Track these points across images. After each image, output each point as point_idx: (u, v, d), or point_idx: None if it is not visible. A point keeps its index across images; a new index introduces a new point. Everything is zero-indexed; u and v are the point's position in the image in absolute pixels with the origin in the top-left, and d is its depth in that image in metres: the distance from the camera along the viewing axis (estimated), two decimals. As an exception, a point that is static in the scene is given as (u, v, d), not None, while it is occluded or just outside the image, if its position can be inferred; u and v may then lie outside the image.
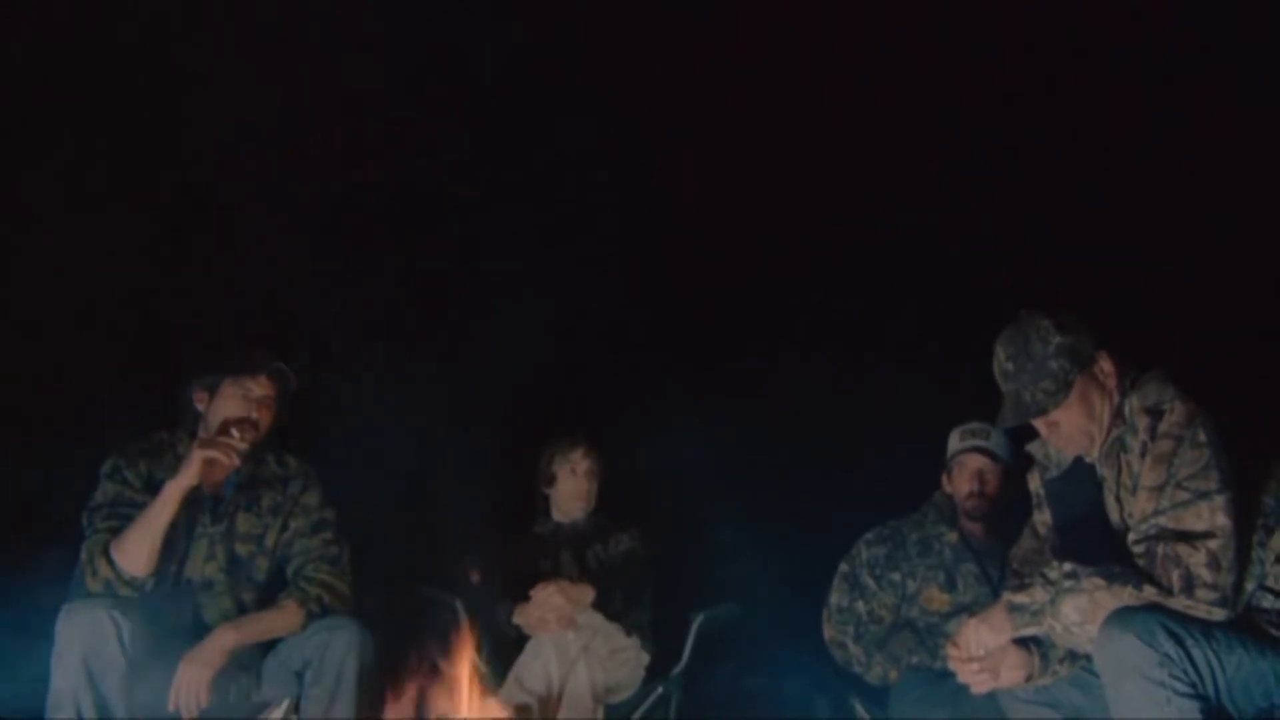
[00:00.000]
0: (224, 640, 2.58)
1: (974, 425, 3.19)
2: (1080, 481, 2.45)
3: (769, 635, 3.44)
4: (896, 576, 3.18)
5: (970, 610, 3.00)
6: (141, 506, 2.63)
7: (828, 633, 3.23)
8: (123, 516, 2.63)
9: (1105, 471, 2.39)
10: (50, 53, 3.52)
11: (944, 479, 3.27)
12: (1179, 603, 2.09)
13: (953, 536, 3.18)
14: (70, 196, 3.58)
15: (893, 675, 3.08)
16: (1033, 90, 3.95)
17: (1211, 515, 2.11)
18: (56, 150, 3.55)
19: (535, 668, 2.97)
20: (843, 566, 3.27)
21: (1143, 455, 2.26)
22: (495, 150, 3.98)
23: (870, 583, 3.20)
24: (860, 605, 3.20)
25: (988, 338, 2.46)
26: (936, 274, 3.80)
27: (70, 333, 3.59)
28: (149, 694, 2.53)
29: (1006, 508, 3.06)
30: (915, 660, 3.06)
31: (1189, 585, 2.08)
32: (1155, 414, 2.26)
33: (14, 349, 3.50)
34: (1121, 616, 2.09)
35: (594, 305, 3.99)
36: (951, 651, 2.37)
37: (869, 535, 3.28)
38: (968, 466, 3.17)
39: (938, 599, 3.11)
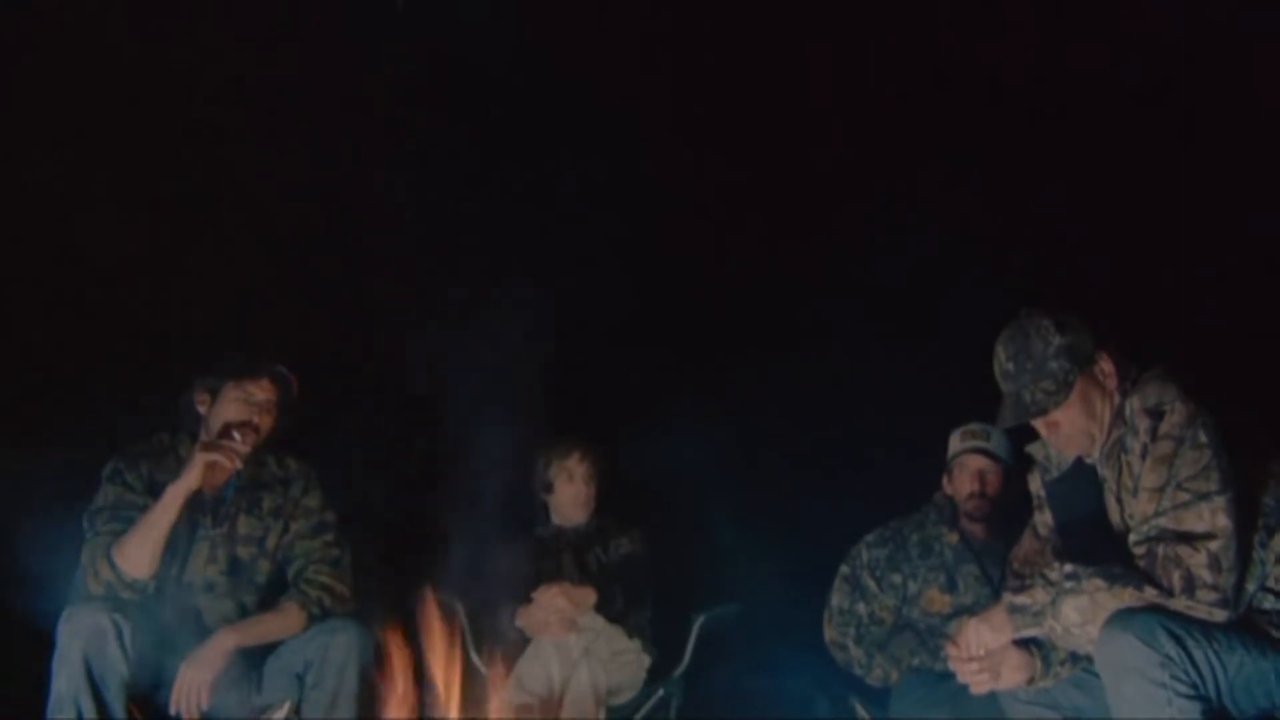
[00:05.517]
0: (225, 643, 2.59)
1: (974, 426, 3.19)
2: (1081, 483, 2.45)
3: (770, 636, 3.44)
4: (897, 578, 3.18)
5: (971, 611, 3.00)
6: (143, 509, 2.63)
7: (829, 634, 3.23)
8: (124, 519, 2.63)
9: (1106, 472, 2.39)
10: (52, 53, 3.52)
11: (944, 480, 3.27)
12: (1180, 604, 2.09)
13: (953, 538, 3.18)
14: (74, 197, 3.58)
15: (894, 677, 3.08)
16: (1033, 90, 3.95)
17: (1212, 516, 2.11)
18: (60, 149, 3.55)
19: (536, 669, 2.98)
20: (843, 568, 3.27)
21: (1143, 456, 2.26)
22: (494, 149, 3.98)
23: (871, 584, 3.20)
24: (861, 607, 3.20)
25: (988, 338, 2.46)
26: (936, 274, 3.80)
27: (72, 334, 3.59)
28: (150, 697, 2.53)
29: (1007, 508, 3.07)
30: (916, 662, 3.06)
31: (1190, 586, 2.08)
32: (1156, 415, 2.26)
33: (15, 350, 3.50)
34: (1122, 617, 2.09)
35: (594, 305, 3.98)
36: (951, 651, 2.37)
37: (869, 537, 3.28)
38: (968, 467, 3.17)
39: (939, 600, 3.12)
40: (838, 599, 3.24)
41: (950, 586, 3.12)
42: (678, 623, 3.33)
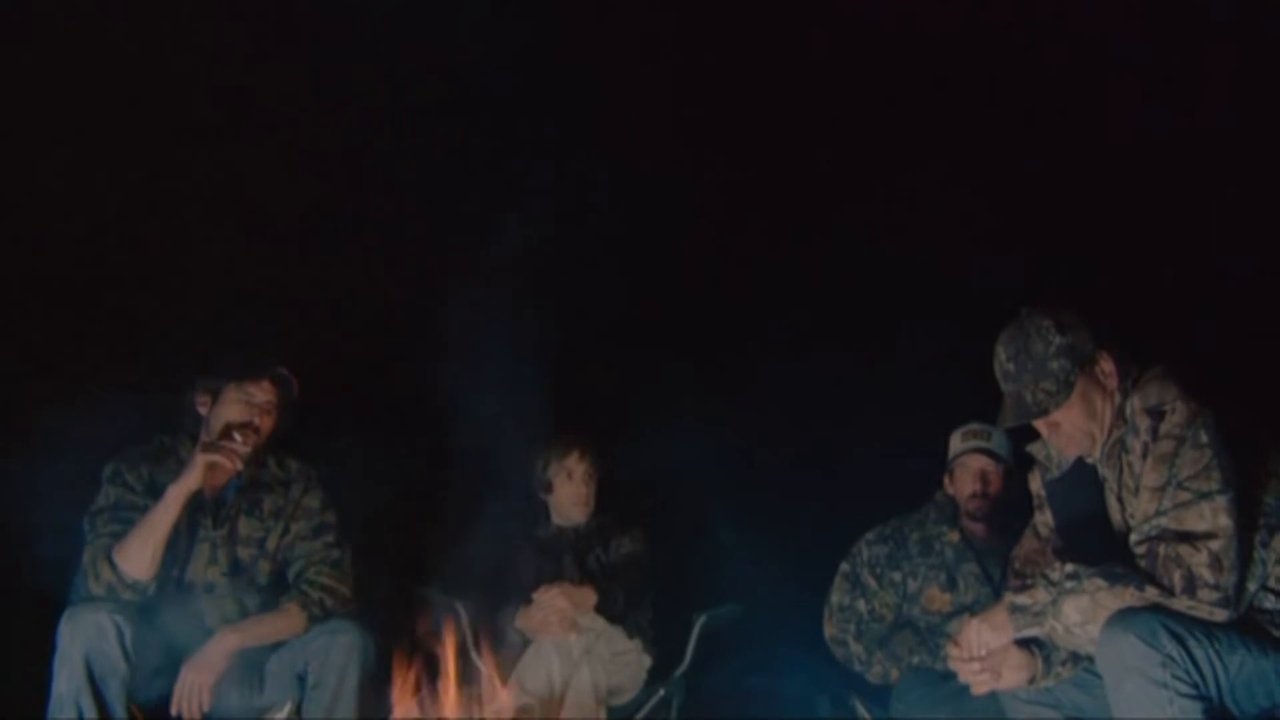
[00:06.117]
0: (226, 644, 2.59)
1: (975, 426, 3.20)
2: (1081, 482, 2.45)
3: (770, 635, 3.44)
4: (897, 576, 3.19)
5: (971, 610, 3.02)
6: (143, 510, 2.62)
7: (828, 631, 3.24)
8: (124, 520, 2.63)
9: (1106, 472, 2.39)
10: (52, 53, 3.51)
11: (946, 480, 3.28)
12: (1181, 603, 2.09)
13: (954, 536, 3.18)
14: (74, 196, 3.58)
15: (894, 674, 3.09)
16: (1033, 90, 3.96)
17: (1213, 516, 2.11)
18: (60, 149, 3.54)
19: (537, 670, 2.97)
20: (844, 565, 3.28)
21: (1144, 456, 2.26)
22: (494, 149, 3.98)
23: (871, 582, 3.21)
24: (861, 604, 3.20)
25: (988, 338, 2.46)
26: (936, 274, 3.80)
27: (72, 334, 3.59)
28: (151, 697, 2.53)
29: (1008, 508, 3.07)
30: (916, 660, 3.06)
31: (1191, 586, 2.08)
32: (1156, 414, 2.26)
33: (15, 349, 3.49)
34: (1123, 617, 2.09)
35: (594, 305, 3.99)
36: (952, 651, 2.37)
37: (870, 535, 3.29)
38: (970, 467, 3.17)
39: (938, 599, 3.12)
40: (838, 596, 3.25)
41: (950, 585, 3.13)
42: (678, 623, 3.33)
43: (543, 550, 3.37)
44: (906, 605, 3.17)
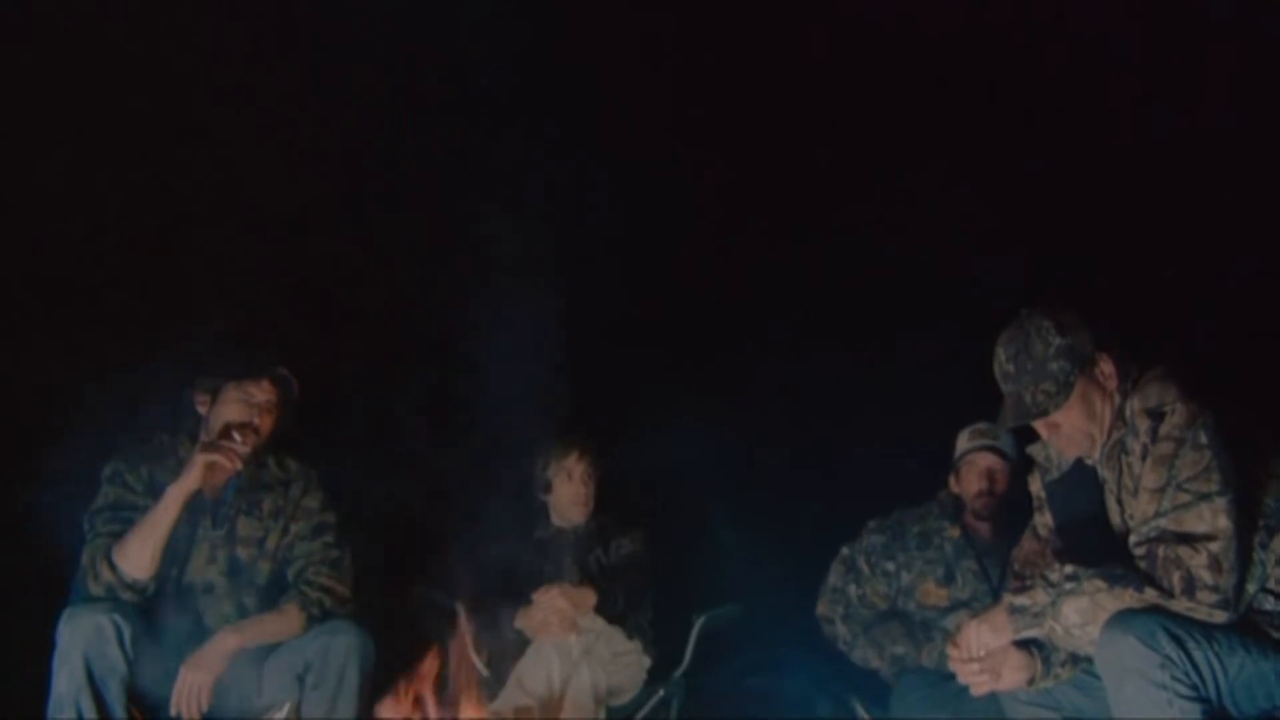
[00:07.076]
0: (225, 644, 2.59)
1: (982, 425, 3.21)
2: (1081, 483, 2.45)
3: (770, 635, 3.44)
4: (890, 566, 3.21)
5: (968, 607, 3.04)
6: (143, 510, 2.63)
7: (820, 609, 3.30)
8: (124, 520, 2.63)
9: (1106, 473, 2.39)
10: (52, 53, 3.52)
11: (951, 479, 3.28)
12: (1180, 605, 2.09)
13: (955, 532, 3.20)
14: (74, 196, 3.58)
15: (874, 661, 3.14)
16: (1033, 90, 3.96)
17: (1213, 517, 2.11)
18: (60, 149, 3.54)
19: (537, 671, 2.97)
20: (844, 549, 3.34)
21: (1144, 457, 2.26)
22: (494, 149, 3.98)
23: (865, 568, 3.25)
24: (852, 589, 3.25)
25: (988, 338, 2.46)
26: (936, 274, 3.80)
27: (72, 334, 3.59)
28: (150, 698, 2.53)
29: (1011, 507, 3.08)
30: (900, 650, 3.09)
31: (1190, 587, 2.08)
32: (1156, 416, 2.26)
33: (16, 349, 3.49)
34: (1123, 619, 2.09)
35: (594, 305, 3.98)
36: (952, 652, 2.37)
37: (872, 523, 3.35)
38: (977, 465, 3.18)
39: (934, 593, 3.14)
40: (833, 577, 3.30)
41: (947, 580, 3.14)
42: (678, 623, 3.33)
43: (543, 550, 3.37)
44: (901, 598, 3.19)
